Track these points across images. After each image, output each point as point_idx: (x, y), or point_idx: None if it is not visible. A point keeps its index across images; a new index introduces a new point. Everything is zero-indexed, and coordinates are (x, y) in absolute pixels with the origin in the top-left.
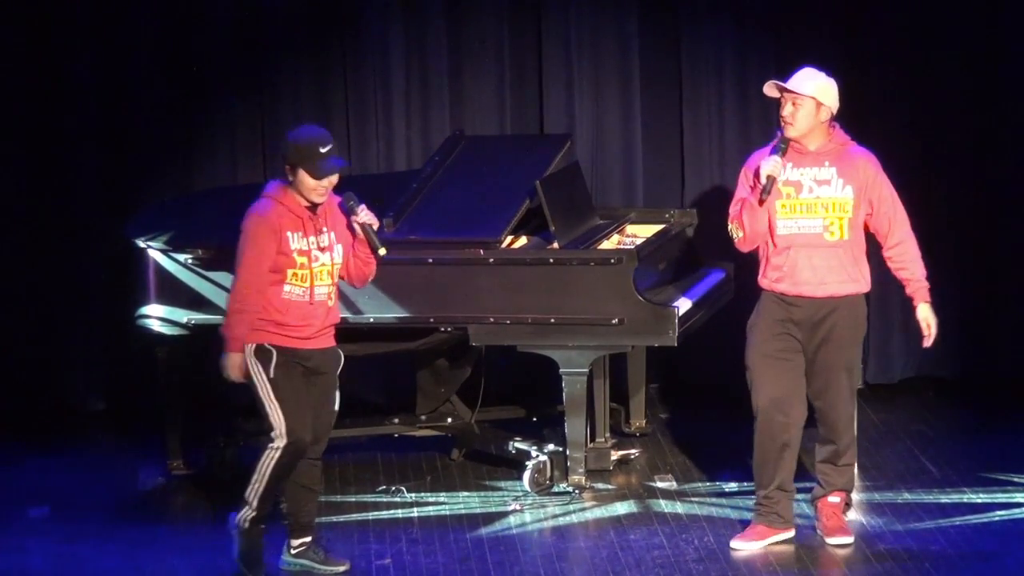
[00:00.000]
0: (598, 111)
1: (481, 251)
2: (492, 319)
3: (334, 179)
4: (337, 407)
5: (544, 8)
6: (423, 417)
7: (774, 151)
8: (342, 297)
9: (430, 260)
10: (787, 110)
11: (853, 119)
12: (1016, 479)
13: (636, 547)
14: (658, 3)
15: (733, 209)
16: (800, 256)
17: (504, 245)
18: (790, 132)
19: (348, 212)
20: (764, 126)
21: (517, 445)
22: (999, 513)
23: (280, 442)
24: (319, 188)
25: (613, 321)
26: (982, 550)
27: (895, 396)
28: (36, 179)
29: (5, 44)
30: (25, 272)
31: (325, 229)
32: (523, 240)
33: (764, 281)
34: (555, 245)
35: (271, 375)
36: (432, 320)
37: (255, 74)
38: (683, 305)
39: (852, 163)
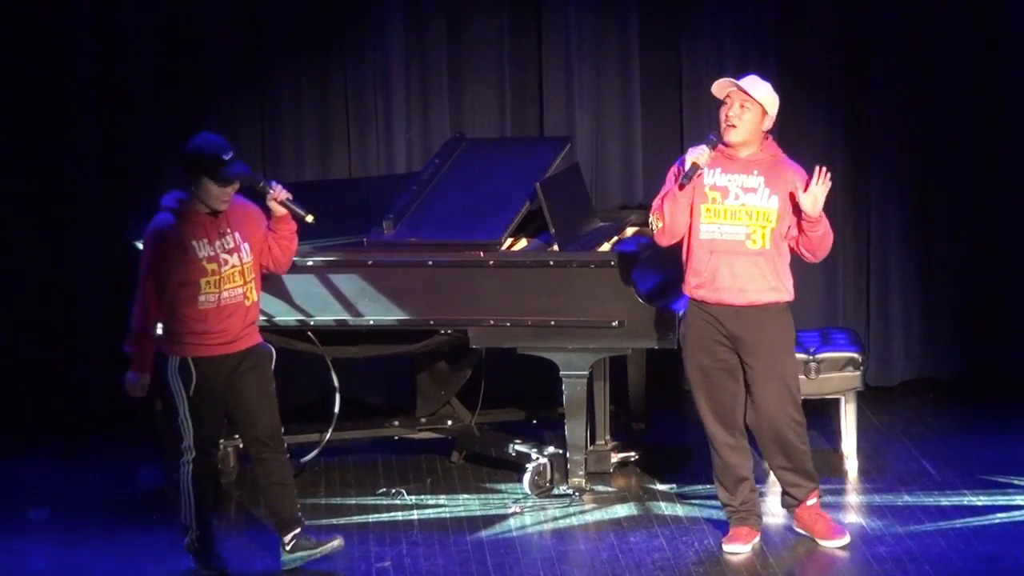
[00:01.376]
0: (598, 112)
1: (481, 253)
2: (492, 321)
3: (232, 191)
4: (337, 409)
5: (544, 9)
6: (423, 419)
7: (705, 143)
8: (343, 300)
9: (430, 262)
10: (734, 111)
11: (853, 119)
12: (1016, 481)
13: (636, 549)
14: (658, 4)
15: (656, 201)
16: (721, 262)
17: (504, 247)
18: (732, 136)
19: (262, 194)
20: None
21: (517, 447)
22: (999, 515)
23: (189, 455)
24: (223, 195)
25: (613, 323)
26: (982, 552)
27: (895, 398)
28: (36, 179)
29: (4, 44)
30: (25, 273)
31: (228, 231)
32: (523, 242)
33: (686, 288)
34: (555, 247)
35: (191, 393)
36: (432, 322)
37: (255, 74)
38: (683, 307)
39: (781, 174)
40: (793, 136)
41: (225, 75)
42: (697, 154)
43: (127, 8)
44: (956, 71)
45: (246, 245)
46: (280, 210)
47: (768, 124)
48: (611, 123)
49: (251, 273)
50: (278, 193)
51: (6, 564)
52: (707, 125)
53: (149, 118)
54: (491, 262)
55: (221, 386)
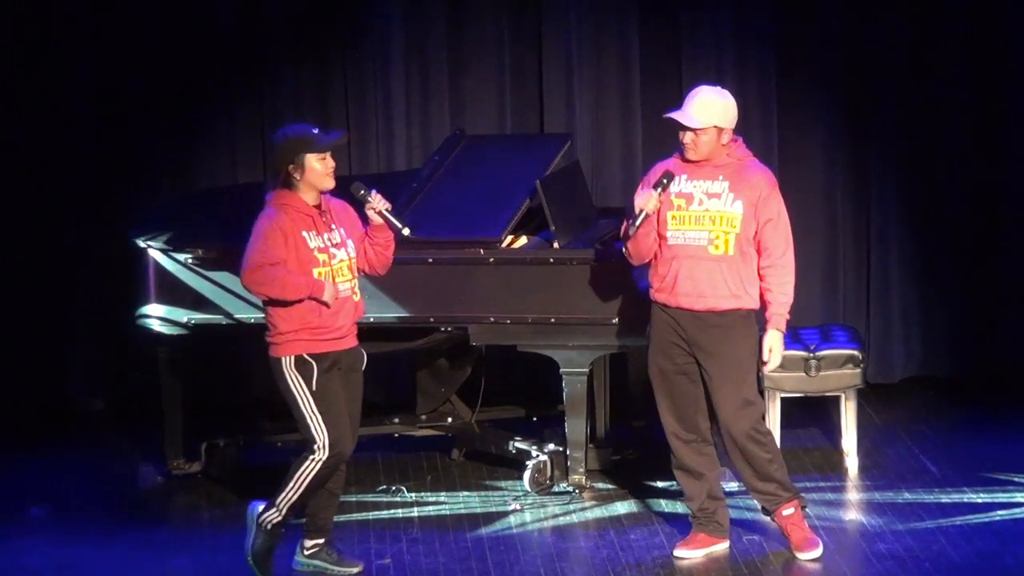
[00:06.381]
0: (598, 110)
1: (481, 251)
2: (492, 319)
3: (332, 164)
4: None
5: (544, 8)
6: (423, 417)
7: (656, 185)
8: None
9: (430, 260)
10: (688, 138)
11: (854, 119)
12: (1016, 479)
13: (636, 547)
14: (658, 2)
15: (624, 224)
16: (682, 267)
17: (504, 245)
18: (694, 157)
19: (361, 202)
20: (763, 125)
21: (517, 445)
22: (999, 513)
23: (322, 454)
24: (327, 168)
25: (613, 321)
26: (982, 550)
27: (895, 396)
28: (37, 179)
29: (4, 44)
30: (25, 272)
31: (334, 226)
32: (523, 240)
33: (650, 291)
34: (555, 245)
35: (313, 388)
36: (432, 320)
37: (255, 74)
38: None
39: (746, 178)
40: (793, 137)
41: (225, 75)
42: (645, 200)
43: (127, 7)
44: (956, 73)
45: (350, 241)
46: (377, 219)
47: (727, 136)
48: (611, 120)
49: (356, 270)
50: (376, 203)
51: (5, 561)
52: None
53: (149, 117)
54: (491, 259)
55: (338, 384)
